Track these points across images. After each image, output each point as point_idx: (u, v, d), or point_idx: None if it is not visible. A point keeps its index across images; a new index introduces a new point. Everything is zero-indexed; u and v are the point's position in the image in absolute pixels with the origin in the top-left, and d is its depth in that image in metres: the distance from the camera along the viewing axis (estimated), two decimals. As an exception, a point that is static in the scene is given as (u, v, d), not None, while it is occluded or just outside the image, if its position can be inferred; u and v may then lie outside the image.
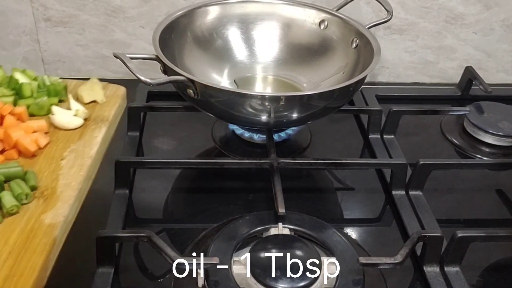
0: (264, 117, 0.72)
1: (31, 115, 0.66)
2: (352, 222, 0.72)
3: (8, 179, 0.54)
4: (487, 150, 0.86)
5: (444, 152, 0.87)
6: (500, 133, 0.85)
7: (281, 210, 0.65)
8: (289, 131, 0.84)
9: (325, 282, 0.58)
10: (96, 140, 0.62)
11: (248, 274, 0.57)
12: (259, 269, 0.57)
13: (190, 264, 0.57)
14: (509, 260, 0.68)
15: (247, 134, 0.83)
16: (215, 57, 0.87)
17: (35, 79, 0.70)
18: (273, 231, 0.64)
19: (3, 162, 0.59)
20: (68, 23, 0.95)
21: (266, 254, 0.59)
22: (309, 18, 0.89)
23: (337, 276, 0.58)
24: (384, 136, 0.86)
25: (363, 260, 0.59)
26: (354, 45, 0.85)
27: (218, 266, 0.57)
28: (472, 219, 0.74)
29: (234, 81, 0.88)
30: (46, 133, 0.63)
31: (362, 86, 0.96)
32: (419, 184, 0.74)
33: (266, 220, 0.66)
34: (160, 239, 0.57)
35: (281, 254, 0.59)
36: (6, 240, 0.48)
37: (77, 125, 0.64)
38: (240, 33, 0.90)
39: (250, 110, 0.71)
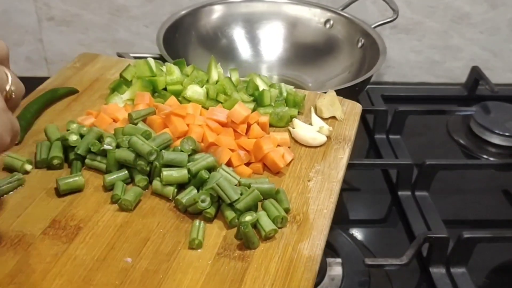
0: (269, 117, 0.72)
1: (269, 125, 0.59)
2: (358, 223, 0.72)
3: (262, 197, 0.49)
4: (493, 150, 0.86)
5: (450, 152, 0.86)
6: (507, 133, 0.85)
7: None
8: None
9: (330, 283, 0.58)
10: (342, 162, 0.55)
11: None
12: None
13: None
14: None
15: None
16: (219, 56, 0.86)
17: (272, 86, 0.64)
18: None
19: (250, 176, 0.52)
20: (72, 22, 0.95)
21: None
22: (314, 17, 0.89)
23: (343, 277, 0.58)
24: (390, 136, 0.85)
25: (368, 261, 0.58)
26: (359, 44, 0.84)
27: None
28: (479, 220, 0.74)
29: (239, 80, 0.88)
30: (288, 147, 0.56)
31: (368, 86, 0.96)
32: (425, 184, 0.74)
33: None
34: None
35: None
36: (266, 268, 0.43)
37: (320, 143, 0.57)
38: (245, 32, 0.89)
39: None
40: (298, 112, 0.62)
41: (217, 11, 0.88)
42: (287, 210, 0.48)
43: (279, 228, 0.46)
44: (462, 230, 0.62)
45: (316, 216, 0.48)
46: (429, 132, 0.90)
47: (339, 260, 0.59)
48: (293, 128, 0.58)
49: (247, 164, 0.53)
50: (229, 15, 0.88)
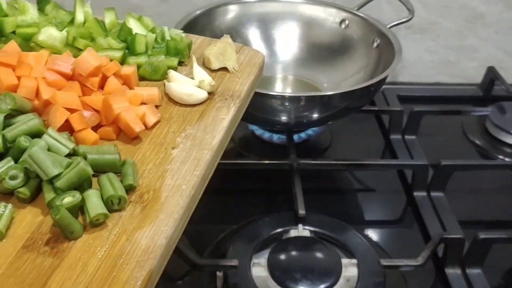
0: (284, 118, 0.72)
1: (141, 78, 0.49)
2: (373, 224, 0.72)
3: (99, 169, 0.39)
4: (509, 151, 0.85)
5: (466, 153, 0.85)
6: (523, 134, 0.84)
7: (301, 211, 0.65)
8: (309, 131, 0.84)
9: (346, 284, 0.58)
10: (222, 125, 0.45)
11: (268, 277, 0.57)
12: (279, 271, 0.57)
13: (210, 266, 0.58)
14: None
15: (267, 135, 0.83)
16: (234, 57, 0.87)
17: (152, 30, 0.53)
18: (293, 232, 0.63)
19: (96, 142, 0.42)
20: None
21: (286, 256, 0.59)
22: (329, 17, 0.89)
23: (358, 278, 0.58)
24: (406, 137, 0.85)
25: (384, 262, 0.58)
26: (375, 44, 0.84)
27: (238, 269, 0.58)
28: (494, 221, 0.73)
29: (254, 81, 0.88)
30: (156, 106, 0.46)
31: (384, 86, 0.96)
32: (441, 185, 0.73)
33: (286, 221, 0.65)
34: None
35: (301, 256, 0.59)
36: (84, 266, 0.33)
37: (199, 100, 0.47)
38: (260, 32, 0.89)
39: (270, 110, 0.71)
40: (181, 62, 0.52)
41: (232, 11, 0.88)
42: (130, 188, 0.39)
43: (115, 211, 0.37)
44: (477, 231, 0.62)
45: (171, 194, 0.39)
46: (445, 132, 0.90)
47: (354, 261, 0.59)
48: (169, 82, 0.49)
49: (97, 127, 0.44)
50: (244, 15, 0.88)
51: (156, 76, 0.50)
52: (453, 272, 0.63)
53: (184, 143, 0.43)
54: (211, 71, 0.52)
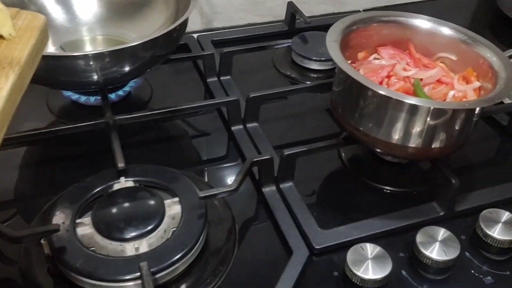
0: (94, 77, 0.72)
1: None
2: (203, 164, 0.76)
3: None
4: (314, 75, 0.94)
5: (278, 84, 0.92)
6: (322, 58, 0.93)
7: (121, 164, 0.66)
8: (127, 88, 0.84)
9: (171, 222, 0.61)
10: (1, 95, 0.42)
11: (94, 232, 0.58)
12: (104, 225, 0.59)
13: (30, 236, 0.57)
14: (335, 169, 0.76)
15: (83, 99, 0.82)
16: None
17: None
18: (116, 186, 0.65)
19: None
20: None
21: (110, 210, 0.61)
22: (123, -30, 0.88)
23: (182, 214, 0.61)
24: (221, 78, 0.89)
25: (201, 194, 0.62)
26: (173, -7, 0.85)
27: (61, 231, 0.58)
28: (306, 140, 0.81)
29: (60, 47, 0.85)
30: None
31: (199, 34, 0.98)
32: (254, 116, 0.79)
33: (109, 177, 0.66)
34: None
35: (124, 207, 0.61)
36: None
37: None
38: (54, -5, 0.86)
39: (78, 72, 0.70)
40: None
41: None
42: None
43: None
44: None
45: None
46: (258, 69, 0.96)
47: (176, 199, 0.63)
48: None
49: None
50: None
51: None
52: (269, 189, 0.69)
53: None
54: None
